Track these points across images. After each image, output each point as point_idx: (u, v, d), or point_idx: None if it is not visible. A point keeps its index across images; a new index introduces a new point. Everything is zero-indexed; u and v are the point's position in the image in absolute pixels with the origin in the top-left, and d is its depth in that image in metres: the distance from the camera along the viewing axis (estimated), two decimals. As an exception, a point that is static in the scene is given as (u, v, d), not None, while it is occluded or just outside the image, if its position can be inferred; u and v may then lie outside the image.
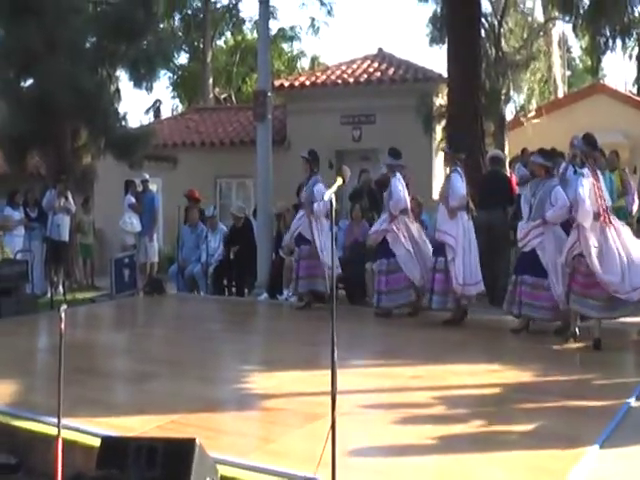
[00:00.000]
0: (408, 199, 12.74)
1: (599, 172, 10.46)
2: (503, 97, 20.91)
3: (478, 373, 8.76)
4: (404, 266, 12.43)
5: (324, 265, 12.92)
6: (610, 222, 10.11)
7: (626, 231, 10.26)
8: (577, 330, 10.40)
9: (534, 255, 10.82)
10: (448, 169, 12.67)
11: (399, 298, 12.62)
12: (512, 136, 21.41)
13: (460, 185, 12.05)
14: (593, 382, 8.47)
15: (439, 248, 11.99)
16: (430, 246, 12.55)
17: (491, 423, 6.87)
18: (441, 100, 20.89)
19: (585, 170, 10.16)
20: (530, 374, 8.71)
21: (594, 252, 9.85)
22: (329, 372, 5.16)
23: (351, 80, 23.35)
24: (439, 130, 20.76)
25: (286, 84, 24.49)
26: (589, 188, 9.98)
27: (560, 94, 30.51)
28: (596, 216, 10.01)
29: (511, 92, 22.10)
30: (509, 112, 23.97)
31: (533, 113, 23.10)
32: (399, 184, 12.50)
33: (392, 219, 12.51)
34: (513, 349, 10.54)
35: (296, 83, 24.34)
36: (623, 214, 14.52)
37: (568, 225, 10.60)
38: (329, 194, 5.49)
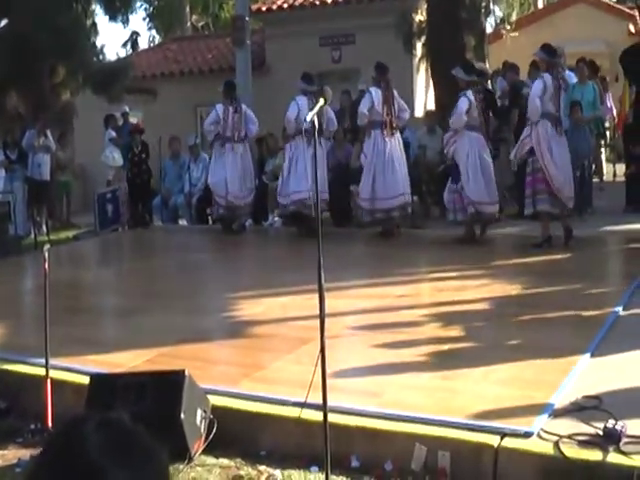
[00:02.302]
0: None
1: (562, 79, 11.12)
2: (483, 10, 20.62)
3: (466, 288, 8.75)
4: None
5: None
6: (560, 132, 10.93)
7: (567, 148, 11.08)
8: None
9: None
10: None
11: None
12: (492, 49, 21.17)
13: (363, 105, 12.47)
14: (581, 292, 8.47)
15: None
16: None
17: (481, 338, 6.86)
18: (421, 17, 20.61)
19: (545, 75, 10.91)
20: (517, 287, 8.70)
21: (547, 151, 10.70)
22: (317, 296, 5.11)
23: (329, 1, 23.04)
24: (419, 47, 20.52)
25: (264, 8, 24.15)
26: (541, 88, 10.76)
27: (540, 5, 30.24)
28: (551, 118, 10.79)
29: (491, 5, 21.81)
30: (489, 25, 23.74)
31: (511, 27, 22.85)
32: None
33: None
34: (499, 263, 10.46)
35: (274, 7, 23.99)
36: (595, 124, 14.52)
37: None
38: (311, 115, 5.39)
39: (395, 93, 12.71)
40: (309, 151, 12.33)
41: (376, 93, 12.43)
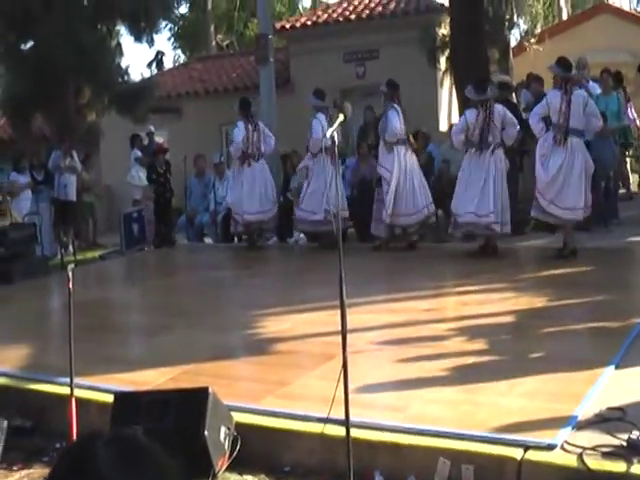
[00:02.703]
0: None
1: (574, 92, 11.04)
2: (507, 23, 20.61)
3: (490, 302, 8.72)
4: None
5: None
6: (563, 141, 10.80)
7: (581, 157, 10.94)
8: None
9: None
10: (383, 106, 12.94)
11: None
12: (517, 62, 21.14)
13: (396, 121, 12.44)
14: (605, 304, 8.42)
15: (379, 180, 12.46)
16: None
17: (505, 351, 6.82)
18: (444, 31, 20.63)
19: (552, 92, 11.24)
20: (543, 299, 8.67)
21: (539, 158, 10.94)
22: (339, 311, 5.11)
23: (353, 17, 23.12)
24: (443, 61, 20.54)
25: (287, 26, 24.29)
26: (544, 109, 10.97)
27: (564, 16, 30.18)
28: (553, 127, 10.87)
29: (515, 17, 21.80)
30: (514, 38, 23.73)
31: (534, 39, 22.82)
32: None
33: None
34: (523, 276, 10.46)
35: (297, 24, 24.13)
36: (621, 134, 14.43)
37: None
38: (331, 131, 5.42)
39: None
40: (329, 167, 12.44)
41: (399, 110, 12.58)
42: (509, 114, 11.85)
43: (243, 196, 13.87)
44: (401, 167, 12.54)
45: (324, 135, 5.46)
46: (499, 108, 11.77)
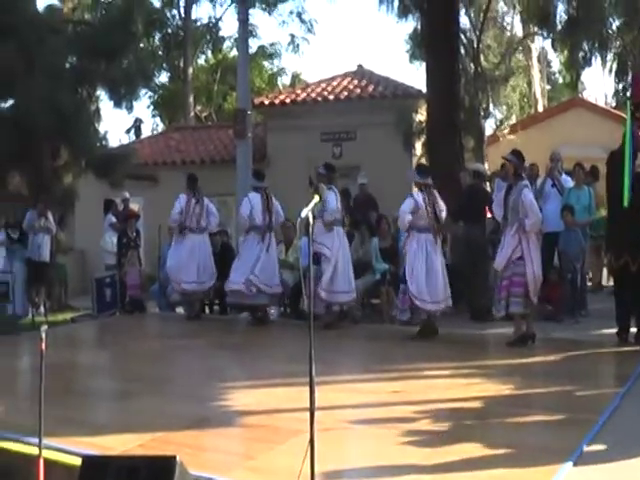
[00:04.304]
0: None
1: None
2: (482, 112, 20.99)
3: (457, 386, 8.80)
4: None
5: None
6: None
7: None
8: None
9: None
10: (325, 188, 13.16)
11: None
12: (491, 151, 21.49)
13: (334, 202, 13.00)
14: (572, 394, 8.52)
15: (315, 258, 12.59)
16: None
17: (472, 437, 6.89)
18: (420, 116, 20.98)
19: (525, 182, 11.40)
20: (510, 387, 8.76)
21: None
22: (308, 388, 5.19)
23: (331, 97, 23.49)
24: (419, 146, 20.84)
25: (266, 102, 24.62)
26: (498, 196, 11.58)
27: (540, 108, 30.70)
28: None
29: (490, 107, 22.20)
30: (489, 127, 24.12)
31: (508, 129, 23.23)
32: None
33: None
34: (488, 362, 10.58)
35: (276, 101, 24.46)
36: (595, 228, 14.69)
37: None
38: (306, 211, 5.53)
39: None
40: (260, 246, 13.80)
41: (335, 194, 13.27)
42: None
43: (181, 265, 14.65)
44: (339, 246, 13.04)
45: (299, 215, 5.57)
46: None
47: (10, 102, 20.37)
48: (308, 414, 5.14)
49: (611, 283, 15.18)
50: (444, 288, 12.23)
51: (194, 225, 14.89)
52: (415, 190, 12.46)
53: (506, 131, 23.16)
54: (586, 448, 6.39)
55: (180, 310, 16.00)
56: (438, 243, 12.45)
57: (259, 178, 14.42)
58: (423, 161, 20.25)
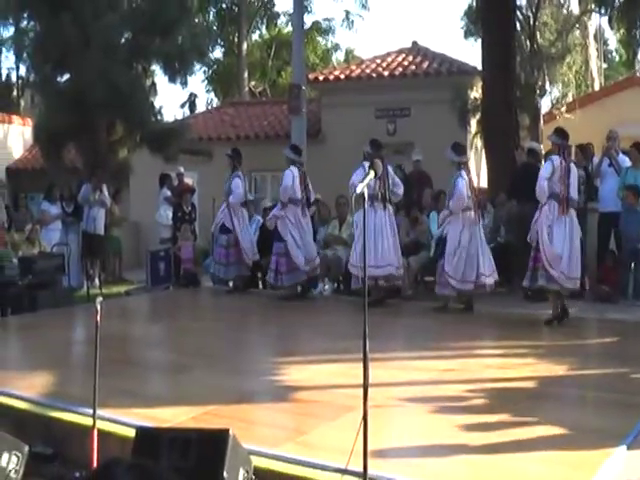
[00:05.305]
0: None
1: (571, 162, 11.70)
2: (538, 90, 20.81)
3: (511, 366, 8.76)
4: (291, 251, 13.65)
5: (244, 251, 14.80)
6: (566, 211, 11.21)
7: (577, 226, 11.41)
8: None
9: None
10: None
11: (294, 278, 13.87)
12: (547, 129, 21.27)
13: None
14: (627, 376, 8.43)
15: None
16: None
17: (527, 416, 6.85)
18: (476, 93, 20.84)
19: (555, 157, 11.34)
20: (564, 367, 8.69)
21: (545, 229, 11.10)
22: (362, 364, 5.18)
23: (386, 73, 23.35)
24: (474, 123, 20.71)
25: (321, 77, 24.55)
26: (549, 171, 11.22)
27: (597, 87, 30.31)
28: (556, 197, 11.18)
29: (546, 85, 22.00)
30: (545, 105, 23.89)
31: (564, 107, 22.98)
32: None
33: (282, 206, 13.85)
34: (541, 342, 10.48)
35: (331, 77, 24.37)
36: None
37: None
38: (362, 187, 5.48)
39: (389, 169, 13.29)
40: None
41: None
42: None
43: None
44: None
45: (354, 188, 5.53)
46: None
47: (67, 76, 20.56)
48: (360, 390, 5.13)
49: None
50: (489, 264, 12.40)
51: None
52: (462, 171, 12.39)
53: (563, 109, 22.92)
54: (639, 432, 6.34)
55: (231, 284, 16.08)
56: (480, 222, 12.57)
57: (297, 153, 14.44)
58: (478, 139, 20.21)
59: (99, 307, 5.96)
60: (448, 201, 12.60)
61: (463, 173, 12.36)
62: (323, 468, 5.62)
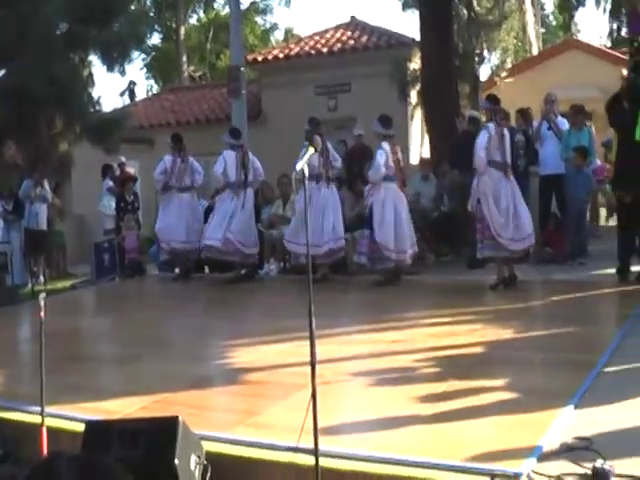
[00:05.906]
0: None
1: (505, 128, 11.90)
2: (477, 58, 20.84)
3: (458, 333, 8.81)
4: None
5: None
6: (508, 177, 11.47)
7: (517, 190, 11.62)
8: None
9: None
10: None
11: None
12: (487, 96, 21.36)
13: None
14: (572, 336, 8.51)
15: None
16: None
17: (472, 381, 6.90)
18: (415, 65, 20.84)
19: (490, 125, 11.49)
20: (509, 331, 8.76)
21: (490, 199, 11.28)
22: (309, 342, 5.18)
23: (325, 50, 23.32)
24: (414, 95, 20.71)
25: (260, 58, 24.46)
26: (486, 139, 11.33)
27: (535, 52, 30.43)
28: (497, 166, 11.37)
29: (485, 52, 22.03)
30: (484, 73, 23.93)
31: (504, 74, 23.05)
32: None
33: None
34: (487, 308, 10.56)
35: (270, 57, 24.29)
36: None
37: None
38: (302, 164, 5.44)
39: (329, 145, 13.41)
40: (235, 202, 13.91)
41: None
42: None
43: (170, 225, 14.73)
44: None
45: (294, 168, 5.48)
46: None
47: (3, 71, 20.28)
48: (309, 368, 5.12)
49: (610, 223, 15.21)
50: (410, 237, 12.52)
51: (178, 184, 15.05)
52: (384, 143, 12.42)
53: (503, 75, 22.98)
54: (587, 390, 6.39)
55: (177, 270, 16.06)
56: (403, 192, 12.65)
57: (235, 136, 14.48)
58: (419, 110, 20.22)
59: (43, 303, 5.91)
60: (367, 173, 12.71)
61: (384, 144, 12.39)
62: (273, 448, 5.62)
